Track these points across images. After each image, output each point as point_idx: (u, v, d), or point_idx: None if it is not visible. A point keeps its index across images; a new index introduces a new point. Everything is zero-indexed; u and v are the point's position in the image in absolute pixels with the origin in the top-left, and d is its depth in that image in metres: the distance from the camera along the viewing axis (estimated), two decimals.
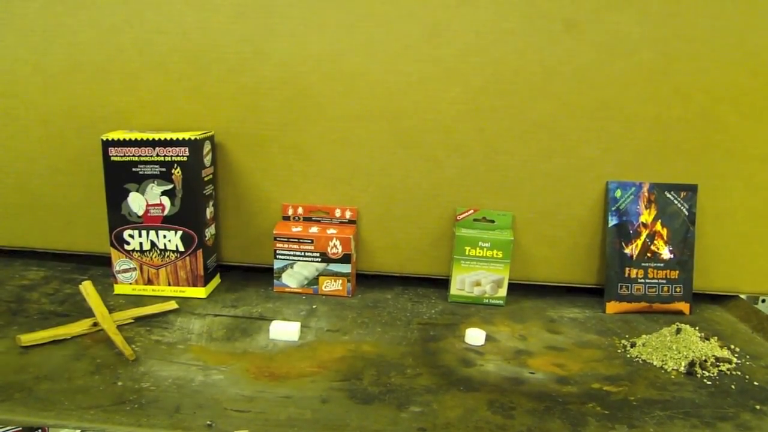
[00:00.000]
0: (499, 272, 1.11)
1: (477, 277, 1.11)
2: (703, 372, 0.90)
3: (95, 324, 0.96)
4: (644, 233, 1.11)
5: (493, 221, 1.13)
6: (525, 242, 1.15)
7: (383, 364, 0.89)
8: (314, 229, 1.13)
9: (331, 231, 1.12)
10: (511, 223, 1.13)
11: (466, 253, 1.10)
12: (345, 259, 1.12)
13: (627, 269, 1.11)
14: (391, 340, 0.97)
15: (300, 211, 1.17)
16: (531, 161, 1.11)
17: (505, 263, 1.10)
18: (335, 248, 1.11)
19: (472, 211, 1.13)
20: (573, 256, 1.15)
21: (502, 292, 1.12)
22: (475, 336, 0.97)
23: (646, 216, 1.11)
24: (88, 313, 0.99)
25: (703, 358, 0.92)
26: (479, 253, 1.10)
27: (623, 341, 1.00)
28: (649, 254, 1.11)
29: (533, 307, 1.13)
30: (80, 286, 1.05)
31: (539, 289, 1.20)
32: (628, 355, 0.95)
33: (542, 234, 1.14)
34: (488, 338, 0.99)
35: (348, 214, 1.16)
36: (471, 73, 1.08)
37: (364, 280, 1.22)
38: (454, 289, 1.13)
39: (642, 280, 1.11)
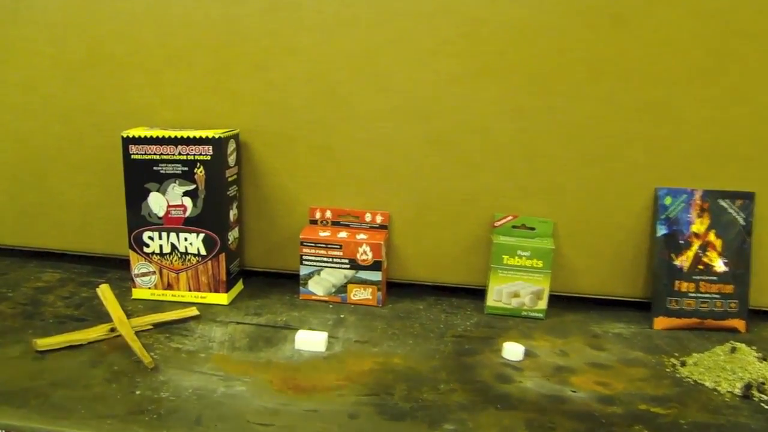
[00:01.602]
0: (539, 283, 1.10)
1: (515, 288, 1.11)
2: (761, 395, 0.89)
3: (113, 329, 0.97)
4: (696, 244, 1.10)
5: (533, 228, 1.13)
6: (567, 251, 1.14)
7: (415, 378, 0.89)
8: (343, 234, 1.13)
9: (361, 236, 1.13)
10: (552, 231, 1.13)
11: (504, 262, 1.10)
12: (375, 266, 1.12)
13: (677, 282, 1.10)
14: (424, 353, 0.97)
15: (328, 214, 1.17)
16: (574, 165, 1.10)
17: (545, 273, 1.09)
18: (365, 255, 1.12)
19: (510, 217, 1.13)
20: (618, 267, 1.14)
21: (542, 304, 1.11)
22: (513, 350, 0.96)
23: (698, 225, 1.10)
24: (106, 317, 1.01)
25: (761, 380, 0.90)
26: (518, 262, 1.09)
27: (672, 360, 0.98)
28: (701, 266, 1.09)
29: (575, 321, 1.12)
30: (97, 289, 1.06)
31: (581, 301, 1.19)
32: (678, 375, 0.94)
33: (585, 243, 1.14)
34: (527, 353, 0.98)
35: (379, 219, 1.16)
36: (510, 70, 1.08)
37: (396, 289, 1.22)
38: (491, 301, 1.12)
39: (693, 295, 1.09)
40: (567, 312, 1.16)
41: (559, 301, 1.18)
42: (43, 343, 0.92)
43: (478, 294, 1.20)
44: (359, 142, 1.14)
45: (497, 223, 1.13)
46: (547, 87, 1.08)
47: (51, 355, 0.91)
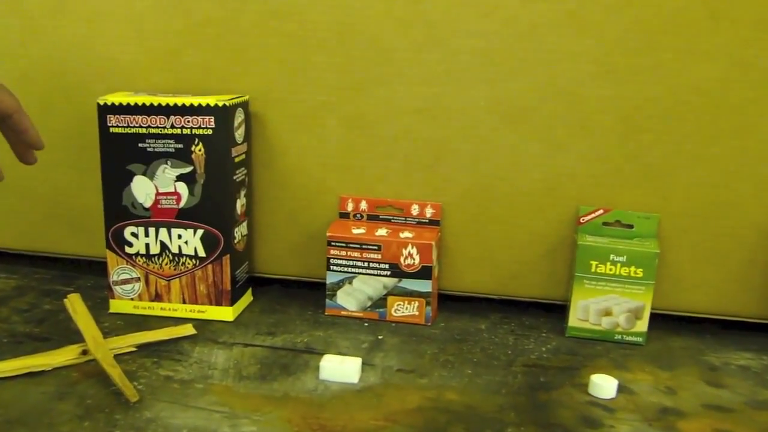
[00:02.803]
0: (639, 298, 1.10)
1: (607, 304, 1.11)
2: None
3: (84, 352, 0.99)
4: None
5: (631, 226, 1.13)
6: (675, 257, 1.14)
7: (475, 419, 0.90)
8: (382, 232, 1.15)
9: (405, 234, 1.14)
10: (657, 230, 1.13)
11: (593, 269, 1.10)
12: (424, 273, 1.13)
13: None
14: (486, 386, 0.98)
15: (363, 206, 1.19)
16: (687, 143, 1.10)
17: (646, 285, 1.09)
18: (411, 258, 1.13)
19: (601, 211, 1.13)
20: (746, 279, 1.14)
21: (642, 325, 1.11)
22: (603, 385, 0.96)
23: None
24: (75, 337, 1.02)
25: None
26: (611, 270, 1.10)
27: None
28: None
29: (685, 348, 1.12)
30: (65, 300, 1.07)
31: (694, 323, 1.19)
32: None
33: (701, 246, 1.13)
34: (621, 389, 0.98)
35: (429, 212, 1.17)
36: (605, 19, 1.07)
37: (449, 303, 1.23)
38: (575, 320, 1.13)
39: None
40: (674, 336, 1.16)
41: (664, 322, 1.18)
42: None
43: (556, 311, 1.20)
44: (404, 113, 1.15)
45: (584, 219, 1.14)
46: (653, 40, 1.07)
47: (5, 383, 0.93)
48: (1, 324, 1.09)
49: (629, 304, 1.10)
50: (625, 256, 1.09)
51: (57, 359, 0.97)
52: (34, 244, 1.30)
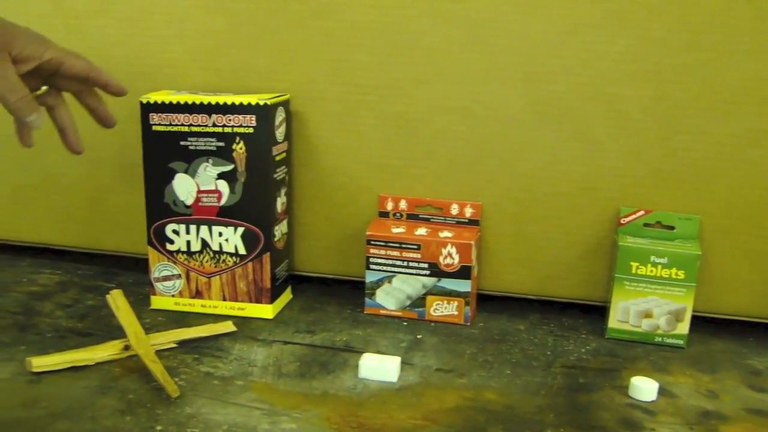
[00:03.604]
0: (680, 300, 1.09)
1: (647, 306, 1.10)
2: None
3: (126, 347, 1.00)
4: None
5: (672, 227, 1.12)
6: (717, 259, 1.13)
7: (513, 420, 0.89)
8: (422, 231, 1.14)
9: (444, 234, 1.14)
10: (698, 232, 1.12)
11: (633, 271, 1.09)
12: (463, 273, 1.13)
13: None
14: (525, 387, 0.97)
15: (403, 205, 1.19)
16: (729, 144, 1.09)
17: (688, 287, 1.08)
18: (450, 258, 1.12)
19: (642, 212, 1.12)
20: None
21: (683, 327, 1.10)
22: (643, 388, 0.96)
23: None
24: (118, 332, 1.03)
25: None
26: (652, 271, 1.09)
27: None
28: None
29: (727, 352, 1.11)
30: (107, 296, 1.09)
31: (737, 326, 1.18)
32: None
33: (744, 248, 1.12)
34: (662, 392, 0.97)
35: (469, 212, 1.17)
36: (647, 18, 1.07)
37: (489, 303, 1.23)
38: (615, 322, 1.12)
39: None
40: (716, 339, 1.15)
41: (706, 325, 1.17)
42: (40, 362, 0.95)
43: (596, 312, 1.19)
44: (444, 112, 1.14)
45: (624, 220, 1.13)
46: (695, 39, 1.06)
47: (49, 377, 0.94)
48: (45, 319, 1.11)
49: (670, 306, 1.09)
50: (666, 258, 1.08)
51: (99, 354, 0.98)
52: (77, 241, 1.31)
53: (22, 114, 0.93)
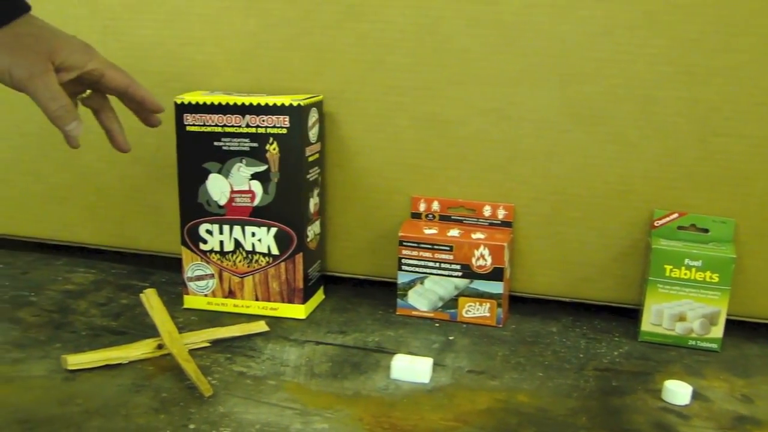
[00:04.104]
0: (714, 303, 1.08)
1: (681, 309, 1.09)
2: None
3: (160, 346, 1.01)
4: None
5: (706, 230, 1.11)
6: (753, 262, 1.12)
7: (546, 422, 0.89)
8: (454, 232, 1.14)
9: (477, 236, 1.13)
10: (734, 235, 1.11)
11: (667, 274, 1.09)
12: (495, 274, 1.13)
13: None
14: (557, 389, 0.97)
15: (435, 206, 1.19)
16: (765, 146, 1.08)
17: (722, 291, 1.08)
18: (483, 260, 1.12)
19: (676, 215, 1.11)
20: None
21: (717, 331, 1.09)
22: (677, 391, 0.95)
23: None
24: (151, 331, 1.04)
25: None
26: (686, 274, 1.08)
27: None
28: None
29: (762, 356, 1.10)
30: (141, 295, 1.10)
31: None
32: None
33: None
34: (696, 396, 0.97)
35: (501, 214, 1.16)
36: (682, 19, 1.06)
37: (521, 305, 1.22)
38: (648, 325, 1.11)
39: None
40: (751, 343, 1.14)
41: (741, 329, 1.16)
42: (75, 360, 0.96)
43: (629, 315, 1.19)
44: (478, 113, 1.14)
45: (658, 223, 1.12)
46: (731, 41, 1.06)
47: (84, 375, 0.95)
48: (80, 317, 1.12)
49: (704, 309, 1.09)
50: (700, 261, 1.07)
51: (133, 353, 0.99)
52: (111, 240, 1.32)
53: (61, 122, 0.93)
